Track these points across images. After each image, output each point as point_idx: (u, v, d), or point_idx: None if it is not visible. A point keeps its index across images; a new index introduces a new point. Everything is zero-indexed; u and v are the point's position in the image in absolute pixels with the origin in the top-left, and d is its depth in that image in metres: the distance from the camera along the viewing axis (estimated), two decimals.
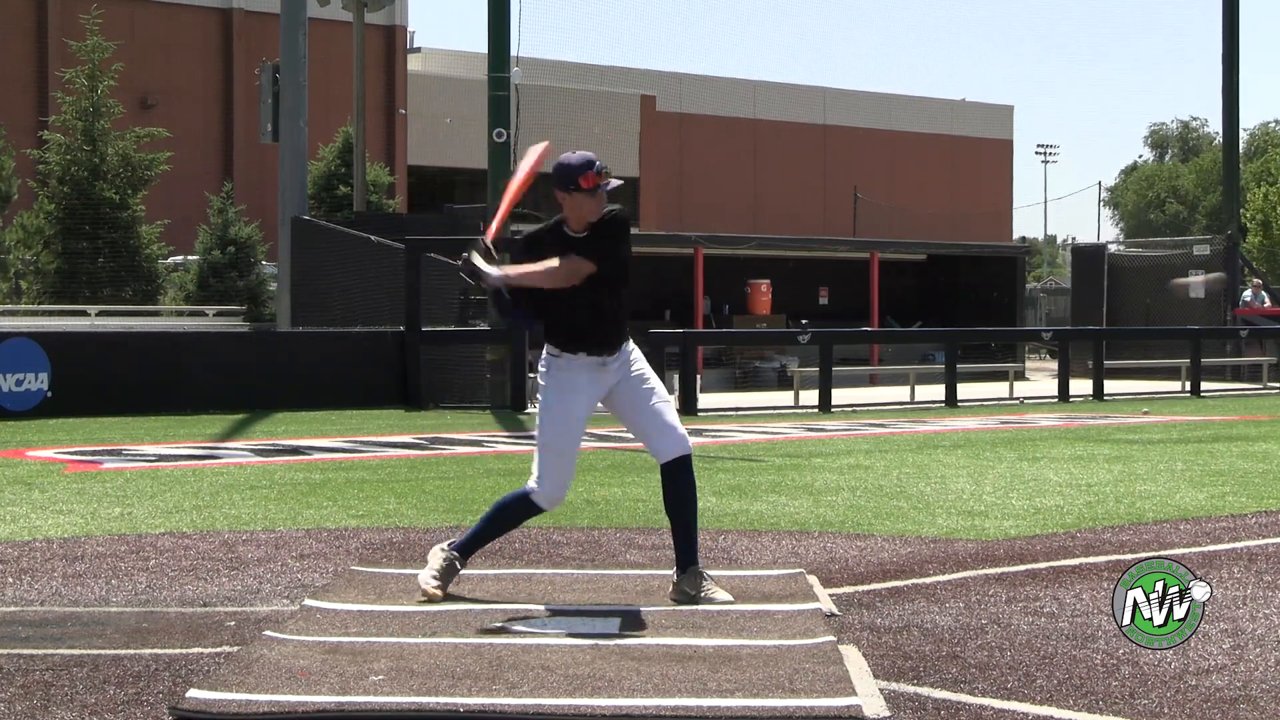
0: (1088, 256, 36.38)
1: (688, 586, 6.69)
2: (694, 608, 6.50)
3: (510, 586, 7.02)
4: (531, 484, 6.76)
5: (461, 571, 6.84)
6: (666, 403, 6.78)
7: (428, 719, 4.91)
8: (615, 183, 6.73)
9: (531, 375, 19.40)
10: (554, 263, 6.59)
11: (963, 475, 12.29)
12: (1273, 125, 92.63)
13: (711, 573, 7.00)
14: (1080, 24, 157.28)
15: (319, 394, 20.30)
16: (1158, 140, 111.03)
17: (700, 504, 10.34)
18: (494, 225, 6.91)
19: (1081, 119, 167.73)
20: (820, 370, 22.25)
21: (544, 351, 6.82)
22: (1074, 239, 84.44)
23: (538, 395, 6.86)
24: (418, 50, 56.50)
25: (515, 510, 6.82)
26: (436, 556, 6.79)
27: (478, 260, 6.60)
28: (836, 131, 64.68)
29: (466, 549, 6.81)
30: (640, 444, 6.85)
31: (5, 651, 5.83)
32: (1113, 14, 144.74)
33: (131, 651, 5.84)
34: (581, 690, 5.15)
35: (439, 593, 6.66)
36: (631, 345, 6.85)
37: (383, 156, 46.20)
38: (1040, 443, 15.68)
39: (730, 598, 6.68)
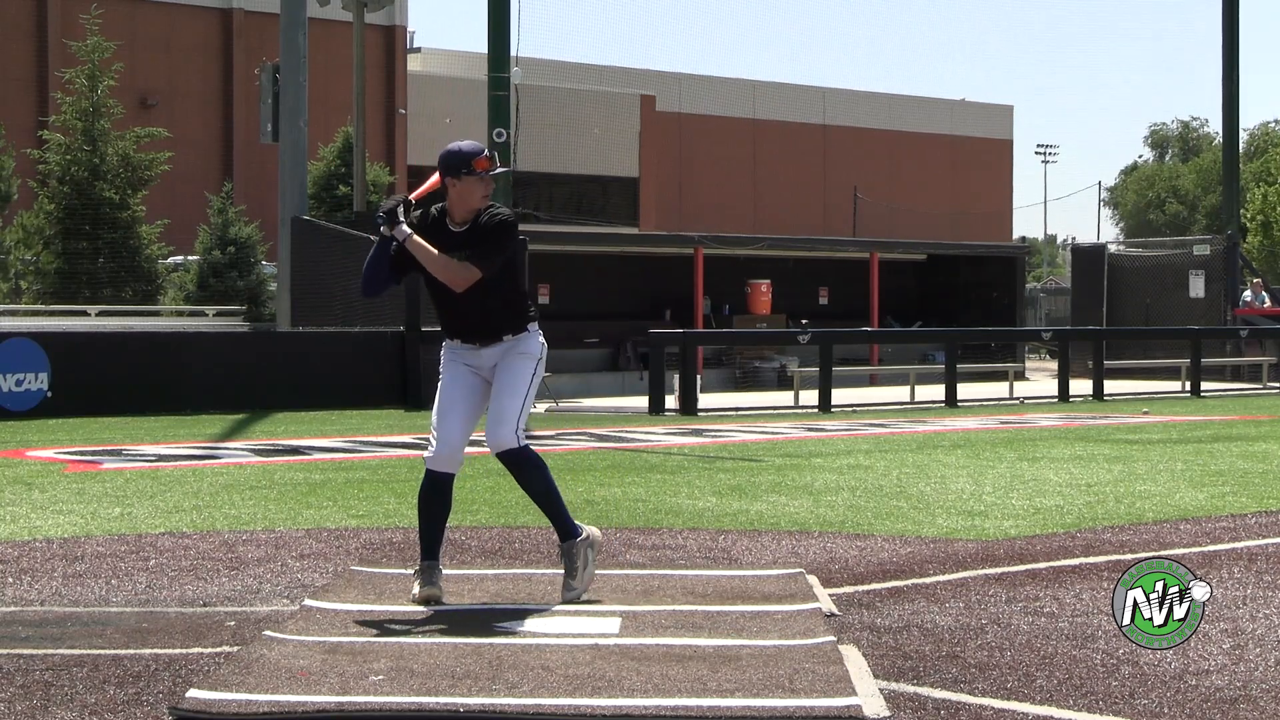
0: (1088, 256, 36.38)
1: (560, 555, 6.80)
2: (694, 608, 6.50)
3: (510, 586, 7.01)
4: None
5: (444, 572, 6.81)
6: (514, 398, 6.85)
7: (428, 719, 4.91)
8: (502, 169, 6.96)
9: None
10: (452, 261, 6.70)
11: (963, 475, 12.29)
12: (1273, 125, 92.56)
13: (711, 573, 7.01)
14: (1080, 24, 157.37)
15: (319, 394, 20.29)
16: (1158, 140, 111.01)
17: (700, 504, 10.42)
18: (421, 189, 6.97)
19: (1081, 119, 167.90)
20: (820, 370, 22.25)
21: None
22: (1074, 239, 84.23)
23: None
24: (418, 50, 56.49)
25: (423, 490, 6.93)
26: (414, 578, 6.83)
27: (400, 212, 6.77)
28: (836, 131, 64.63)
29: (426, 551, 6.81)
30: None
31: (5, 651, 5.83)
32: (1113, 14, 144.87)
33: (131, 651, 5.84)
34: (581, 690, 5.15)
35: (435, 591, 6.64)
36: (524, 335, 6.89)
37: (383, 156, 46.18)
38: (1040, 443, 15.68)
39: (580, 589, 6.69)
